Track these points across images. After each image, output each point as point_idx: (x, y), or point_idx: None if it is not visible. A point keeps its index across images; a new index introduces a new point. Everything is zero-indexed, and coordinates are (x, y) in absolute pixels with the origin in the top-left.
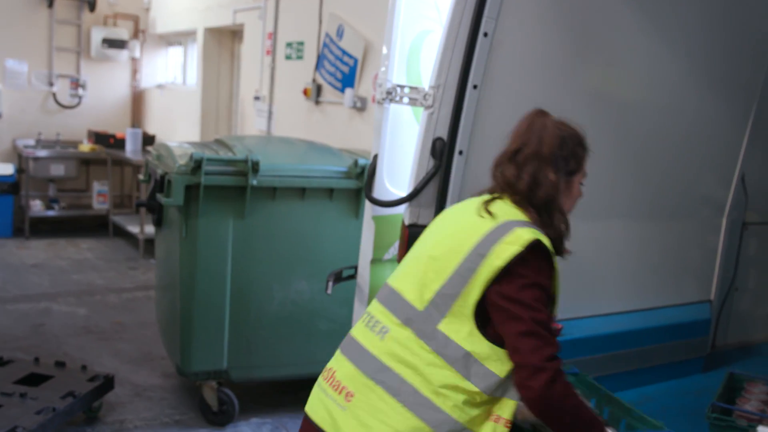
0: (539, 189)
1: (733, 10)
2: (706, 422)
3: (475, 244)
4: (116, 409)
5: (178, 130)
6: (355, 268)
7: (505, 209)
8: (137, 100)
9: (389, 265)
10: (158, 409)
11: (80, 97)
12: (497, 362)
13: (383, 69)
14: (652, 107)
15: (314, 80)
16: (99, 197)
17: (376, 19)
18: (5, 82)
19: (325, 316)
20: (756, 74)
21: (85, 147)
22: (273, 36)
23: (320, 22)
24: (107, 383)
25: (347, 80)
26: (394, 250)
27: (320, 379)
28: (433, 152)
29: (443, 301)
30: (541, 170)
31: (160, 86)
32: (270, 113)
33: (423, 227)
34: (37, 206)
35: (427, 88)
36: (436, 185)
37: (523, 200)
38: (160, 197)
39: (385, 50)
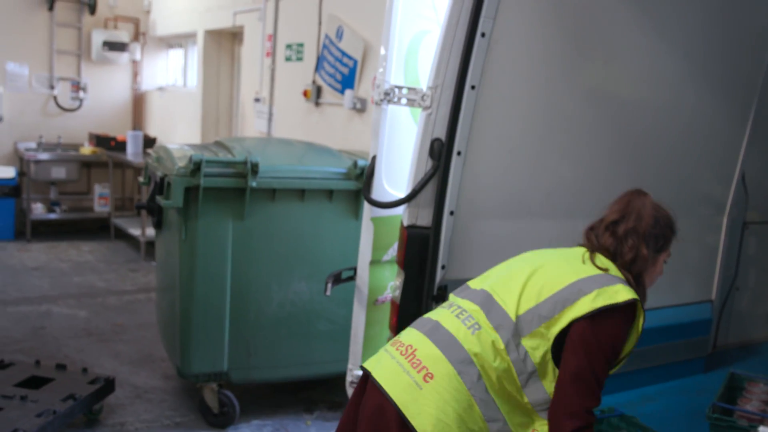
0: (638, 261)
1: (732, 6)
2: (707, 422)
3: (577, 280)
4: (117, 411)
5: (179, 132)
6: (355, 269)
7: (609, 265)
8: (138, 103)
9: (388, 266)
10: (158, 411)
11: (81, 100)
12: (552, 383)
13: (381, 70)
14: (650, 105)
15: (314, 82)
16: (100, 200)
17: (375, 20)
18: (6, 85)
19: (325, 317)
20: (755, 72)
21: (87, 150)
22: (273, 38)
23: (320, 23)
24: (108, 386)
25: (347, 81)
26: (393, 251)
27: (392, 349)
28: (432, 153)
29: (534, 319)
30: (639, 245)
31: (160, 89)
32: (270, 115)
33: (422, 228)
34: (38, 209)
35: (425, 89)
36: (435, 186)
37: (622, 267)
38: (160, 199)
39: (382, 51)
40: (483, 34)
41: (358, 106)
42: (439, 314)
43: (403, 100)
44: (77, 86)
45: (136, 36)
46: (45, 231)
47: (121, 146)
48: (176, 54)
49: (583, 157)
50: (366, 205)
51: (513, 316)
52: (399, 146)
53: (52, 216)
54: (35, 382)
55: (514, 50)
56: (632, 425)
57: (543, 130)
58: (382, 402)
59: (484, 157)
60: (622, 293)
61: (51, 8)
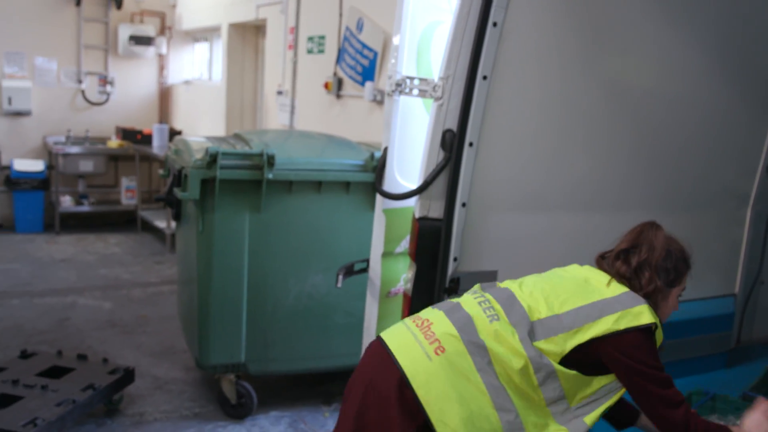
0: (654, 294)
1: None
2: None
3: (600, 299)
4: (136, 401)
5: (204, 125)
6: (367, 261)
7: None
8: (164, 96)
9: (401, 258)
10: (178, 402)
11: (108, 94)
12: (567, 382)
13: (393, 61)
14: (668, 96)
15: (335, 74)
16: (127, 193)
17: (395, 12)
18: (35, 80)
19: (342, 310)
20: None
21: (114, 143)
22: (295, 30)
23: (341, 15)
24: (127, 376)
25: (367, 73)
26: (405, 243)
27: (409, 322)
28: (443, 144)
29: (553, 327)
30: (653, 277)
31: (186, 82)
32: (292, 107)
33: (433, 220)
34: (66, 202)
35: (436, 80)
36: (447, 177)
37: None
38: (177, 191)
39: (395, 42)
40: (495, 24)
41: (379, 98)
42: (463, 298)
43: (415, 91)
44: (104, 80)
45: (162, 30)
46: (73, 223)
47: (147, 139)
48: (202, 48)
49: (600, 149)
50: (378, 197)
51: (532, 318)
52: (412, 137)
53: (80, 209)
54: (56, 372)
55: (527, 40)
56: (729, 402)
57: (557, 121)
58: (389, 367)
59: (497, 148)
60: (646, 315)
61: (78, 3)
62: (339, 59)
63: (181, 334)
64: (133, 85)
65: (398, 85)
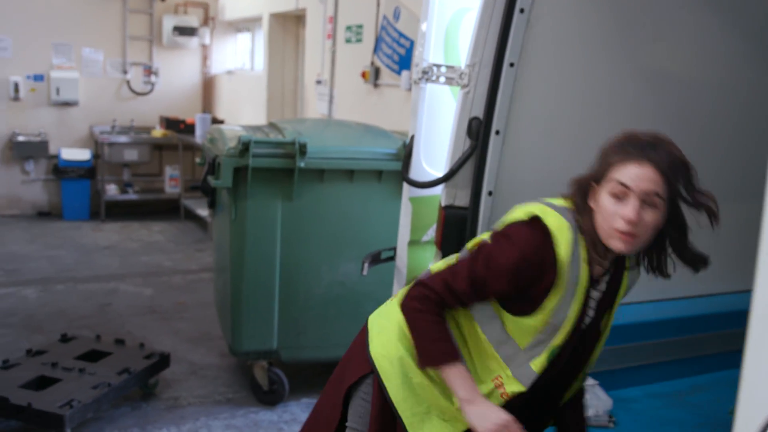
0: (576, 196)
1: None
2: None
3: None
4: (172, 386)
5: (246, 114)
6: (394, 249)
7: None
8: (207, 86)
9: (427, 246)
10: (212, 387)
11: (153, 84)
12: (511, 323)
13: (420, 49)
14: (703, 84)
15: (372, 63)
16: (171, 181)
17: None
18: (82, 71)
19: (373, 298)
20: None
21: (158, 132)
22: (333, 20)
23: (378, 4)
24: (163, 361)
25: (404, 62)
26: (432, 232)
27: None
28: (470, 132)
29: None
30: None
31: (229, 72)
32: (331, 96)
33: (460, 209)
34: (112, 190)
35: (463, 67)
36: (473, 166)
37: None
38: (211, 179)
39: (422, 29)
40: (522, 10)
41: None
42: None
43: (442, 79)
44: (149, 71)
45: (206, 20)
46: (118, 211)
47: (190, 129)
48: (244, 38)
49: None
50: (405, 185)
51: None
52: (440, 125)
53: (125, 197)
54: (94, 356)
55: (555, 26)
56: None
57: (587, 109)
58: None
59: (524, 136)
60: (528, 208)
61: None
62: (376, 48)
63: (217, 321)
64: (176, 75)
65: (425, 72)
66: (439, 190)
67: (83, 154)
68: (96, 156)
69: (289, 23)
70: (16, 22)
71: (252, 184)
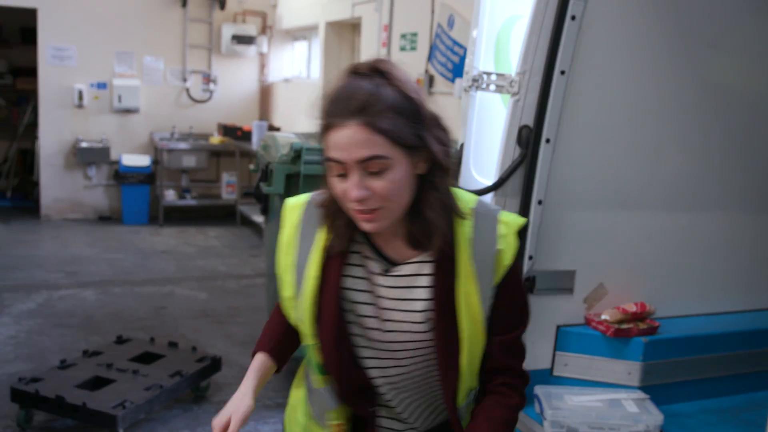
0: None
1: None
2: None
3: None
4: (223, 389)
5: (302, 122)
6: None
7: None
8: (264, 94)
9: None
10: (262, 392)
11: (211, 92)
12: None
13: (470, 56)
14: (760, 92)
15: (426, 71)
16: (228, 188)
17: None
18: (143, 79)
19: None
20: None
21: (215, 139)
22: (388, 28)
23: (432, 12)
24: (214, 364)
25: (458, 70)
26: None
27: None
28: (519, 140)
29: None
30: None
31: (286, 80)
32: None
33: None
34: (170, 195)
35: (513, 75)
36: (523, 174)
37: None
38: (263, 186)
39: (472, 36)
40: (573, 17)
41: None
42: None
43: (492, 87)
44: (208, 78)
45: (264, 29)
46: (176, 216)
47: (246, 136)
48: (300, 46)
49: (690, 147)
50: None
51: None
52: (489, 134)
53: (183, 202)
54: (148, 358)
55: (607, 34)
56: None
57: (641, 118)
58: None
59: (575, 145)
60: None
61: (184, 5)
62: (430, 56)
63: None
64: (234, 83)
65: (475, 80)
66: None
67: (143, 160)
68: (155, 162)
69: (345, 31)
70: (81, 31)
71: (303, 191)
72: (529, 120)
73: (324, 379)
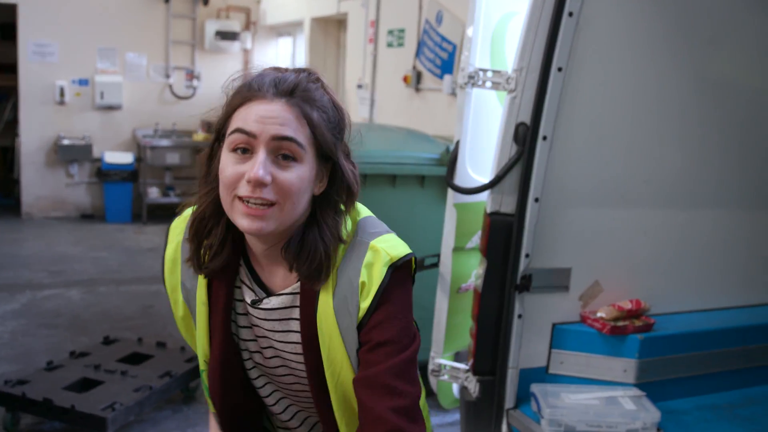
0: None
1: None
2: None
3: None
4: None
5: None
6: (438, 256)
7: None
8: None
9: (472, 253)
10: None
11: (195, 88)
12: None
13: (466, 53)
14: (762, 88)
15: (414, 67)
16: None
17: None
18: (126, 75)
19: (417, 305)
20: None
21: (199, 136)
22: (375, 24)
23: (420, 8)
24: None
25: (446, 66)
26: (476, 239)
27: None
28: (516, 138)
29: None
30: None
31: None
32: (372, 101)
33: (506, 215)
34: (154, 193)
35: (510, 72)
36: (519, 172)
37: None
38: None
39: (468, 33)
40: (570, 14)
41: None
42: None
43: (488, 84)
44: (191, 75)
45: (247, 25)
46: (160, 214)
47: None
48: (285, 42)
49: (688, 144)
50: (449, 191)
51: None
52: (485, 131)
53: (167, 200)
54: (136, 359)
55: (605, 30)
56: None
57: (639, 115)
58: None
59: (572, 142)
60: None
61: (167, 0)
62: (418, 52)
63: None
64: (218, 79)
65: (471, 77)
66: (484, 196)
67: (126, 158)
68: (138, 159)
69: (331, 27)
70: (63, 27)
71: None
72: (526, 117)
73: (213, 404)
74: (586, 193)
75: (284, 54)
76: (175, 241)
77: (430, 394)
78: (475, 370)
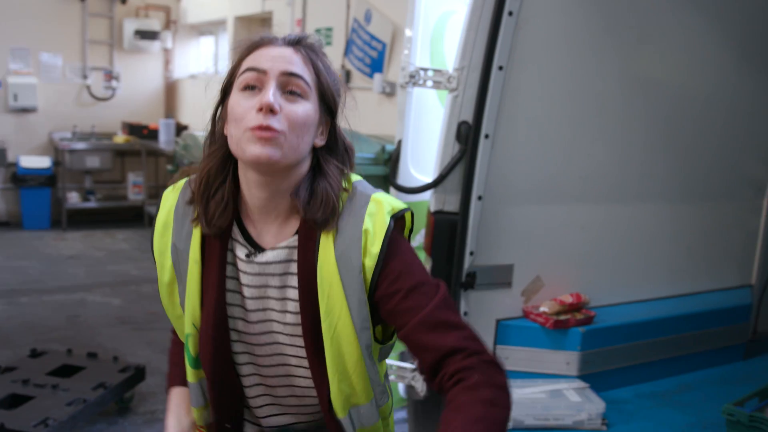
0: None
1: None
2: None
3: None
4: (148, 399)
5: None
6: None
7: None
8: (170, 91)
9: (417, 252)
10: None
11: (114, 89)
12: None
13: (406, 52)
14: (686, 86)
15: (343, 66)
16: (134, 188)
17: (404, 3)
18: (41, 76)
19: None
20: None
21: (120, 138)
22: (302, 23)
23: (348, 7)
24: (138, 374)
25: (376, 65)
26: (420, 238)
27: None
28: (458, 136)
29: None
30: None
31: (192, 76)
32: None
33: (449, 214)
34: (73, 198)
35: (451, 71)
36: (462, 170)
37: None
38: None
39: (407, 33)
40: (510, 13)
41: (388, 89)
42: None
43: (429, 83)
44: (110, 75)
45: (168, 24)
46: (80, 220)
47: (153, 134)
48: (207, 41)
49: (619, 140)
50: (392, 191)
51: None
52: (427, 130)
53: (87, 205)
54: (67, 371)
55: (544, 29)
56: None
57: (576, 112)
58: None
59: (514, 140)
60: None
61: None
62: (347, 51)
63: None
64: (138, 80)
65: (412, 76)
66: (427, 195)
67: (43, 162)
68: (56, 163)
69: (255, 26)
70: None
71: None
72: (468, 116)
73: (195, 374)
74: (526, 190)
75: (206, 53)
76: (167, 206)
77: None
78: (422, 369)
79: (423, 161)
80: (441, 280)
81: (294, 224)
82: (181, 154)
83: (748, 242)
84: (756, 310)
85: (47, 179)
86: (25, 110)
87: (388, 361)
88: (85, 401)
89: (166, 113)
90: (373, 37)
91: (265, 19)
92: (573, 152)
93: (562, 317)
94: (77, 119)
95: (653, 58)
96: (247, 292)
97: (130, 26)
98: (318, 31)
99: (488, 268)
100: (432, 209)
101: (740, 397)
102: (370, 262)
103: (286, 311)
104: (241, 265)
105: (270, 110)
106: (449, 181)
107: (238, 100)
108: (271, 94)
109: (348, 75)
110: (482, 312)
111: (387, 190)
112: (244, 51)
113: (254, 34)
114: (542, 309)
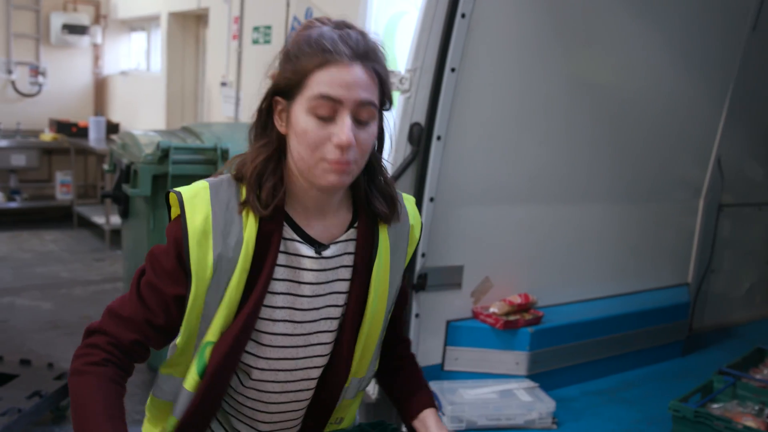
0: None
1: None
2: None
3: None
4: None
5: (143, 117)
6: None
7: None
8: (100, 88)
9: None
10: (129, 406)
11: (40, 85)
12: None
13: None
14: (629, 89)
15: None
16: (62, 187)
17: (346, 1)
18: None
19: None
20: (732, 55)
21: (47, 136)
22: (239, 20)
23: (288, 5)
24: None
25: None
26: None
27: None
28: (411, 138)
29: None
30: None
31: (123, 73)
32: (237, 99)
33: None
34: None
35: (403, 72)
36: (414, 172)
37: None
38: (126, 188)
39: None
40: (463, 15)
41: None
42: None
43: None
44: (36, 71)
45: (97, 19)
46: (5, 220)
47: (83, 132)
48: (139, 37)
49: (565, 141)
50: None
51: None
52: None
53: (13, 205)
54: None
55: (496, 32)
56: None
57: (524, 114)
58: None
59: (465, 142)
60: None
61: None
62: None
63: None
64: (67, 75)
65: None
66: None
67: None
68: None
69: (190, 23)
70: None
71: None
72: (421, 117)
73: (197, 383)
74: (476, 191)
75: (138, 50)
76: (203, 212)
77: None
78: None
79: None
80: None
81: (345, 216)
82: (119, 153)
83: (686, 241)
84: (692, 307)
85: None
86: None
87: None
88: (20, 411)
89: (95, 110)
90: None
91: (200, 16)
92: (521, 153)
93: (512, 318)
94: (1, 116)
95: (598, 62)
96: (307, 290)
97: (57, 20)
98: (256, 29)
99: (439, 269)
100: None
101: (682, 392)
102: (410, 253)
103: (334, 305)
104: (306, 263)
105: (349, 148)
106: (401, 183)
107: (311, 126)
108: (348, 129)
109: None
110: (433, 313)
111: None
112: (312, 61)
113: (313, 31)
114: (492, 310)
